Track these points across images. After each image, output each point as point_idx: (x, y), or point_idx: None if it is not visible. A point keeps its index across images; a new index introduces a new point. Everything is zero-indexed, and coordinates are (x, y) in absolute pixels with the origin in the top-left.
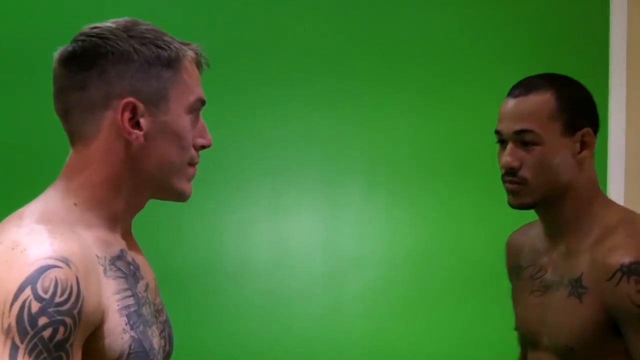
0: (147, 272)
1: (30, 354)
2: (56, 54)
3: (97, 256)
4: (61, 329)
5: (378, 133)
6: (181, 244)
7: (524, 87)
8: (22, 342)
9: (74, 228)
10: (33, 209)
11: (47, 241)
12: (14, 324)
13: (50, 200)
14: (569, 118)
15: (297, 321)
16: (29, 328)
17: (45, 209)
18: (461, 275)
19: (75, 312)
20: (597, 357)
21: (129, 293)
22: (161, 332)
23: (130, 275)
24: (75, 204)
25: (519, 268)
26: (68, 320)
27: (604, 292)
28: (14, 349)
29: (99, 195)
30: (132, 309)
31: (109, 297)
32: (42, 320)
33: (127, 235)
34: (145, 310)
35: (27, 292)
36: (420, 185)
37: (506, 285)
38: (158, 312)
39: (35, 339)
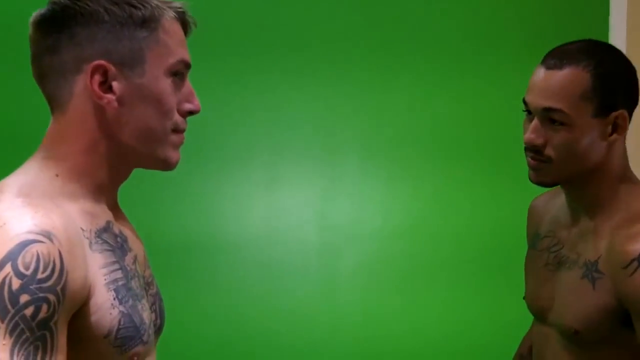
0: (136, 243)
1: (11, 334)
2: (31, 18)
3: (81, 229)
4: (44, 307)
5: (374, 105)
6: (176, 217)
7: (559, 57)
8: (2, 322)
9: (56, 200)
10: (11, 182)
11: (28, 215)
12: None
13: (30, 172)
14: (604, 99)
15: (292, 295)
16: (9, 306)
17: (25, 182)
18: (459, 248)
19: (58, 288)
20: (603, 345)
21: (116, 266)
22: (151, 305)
23: (118, 247)
24: (56, 175)
25: (536, 236)
26: (51, 297)
27: (618, 280)
28: None
29: (81, 165)
30: (120, 283)
31: (96, 271)
32: (24, 298)
33: (113, 207)
34: (135, 284)
35: (7, 268)
36: (418, 157)
37: (505, 258)
38: (148, 284)
39: (17, 318)
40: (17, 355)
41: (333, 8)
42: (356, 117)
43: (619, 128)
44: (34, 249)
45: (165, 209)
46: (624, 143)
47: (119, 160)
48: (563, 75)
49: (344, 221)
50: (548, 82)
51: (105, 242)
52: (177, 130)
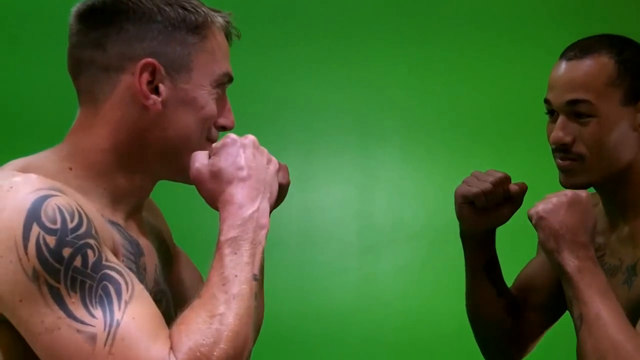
0: (149, 256)
1: (74, 289)
2: (74, 8)
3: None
4: (90, 252)
5: (415, 96)
6: (209, 217)
7: (579, 49)
8: (59, 282)
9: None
10: (15, 162)
11: (32, 176)
12: (39, 266)
13: (41, 157)
14: (631, 85)
15: (329, 297)
16: (57, 265)
17: (30, 163)
18: (508, 244)
19: (93, 232)
20: None
21: (132, 257)
22: None
23: (134, 243)
24: (70, 169)
25: None
26: (92, 241)
27: None
28: (54, 292)
29: (100, 164)
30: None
31: (118, 245)
32: (67, 252)
33: (130, 219)
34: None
35: (35, 229)
36: (461, 149)
37: None
38: (156, 302)
39: (70, 272)
40: (92, 305)
41: (375, 2)
42: (395, 110)
43: None
44: (52, 202)
45: (200, 207)
46: None
47: (143, 166)
48: (586, 64)
49: (384, 218)
50: (570, 74)
51: (119, 231)
52: (210, 140)
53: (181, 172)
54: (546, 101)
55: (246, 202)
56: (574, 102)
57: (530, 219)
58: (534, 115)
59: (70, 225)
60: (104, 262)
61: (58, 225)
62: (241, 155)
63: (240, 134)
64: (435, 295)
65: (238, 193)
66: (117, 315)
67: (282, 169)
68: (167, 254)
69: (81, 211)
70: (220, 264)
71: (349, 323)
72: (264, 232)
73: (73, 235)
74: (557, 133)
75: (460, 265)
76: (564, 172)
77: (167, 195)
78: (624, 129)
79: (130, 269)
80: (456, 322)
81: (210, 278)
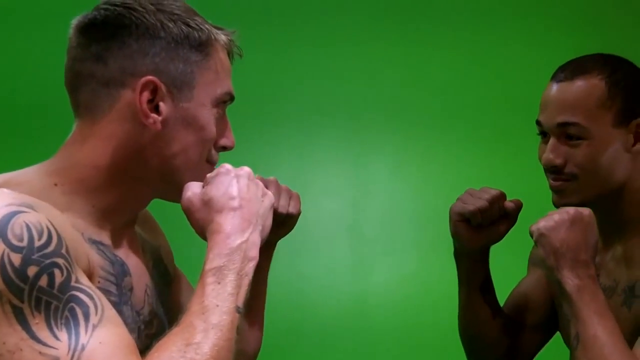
0: (139, 277)
1: (38, 309)
2: (74, 21)
3: (71, 225)
4: (57, 272)
5: (407, 111)
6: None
7: (570, 70)
8: (22, 302)
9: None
10: None
11: (5, 191)
12: (2, 285)
13: (27, 172)
14: (622, 106)
15: (320, 311)
16: (21, 284)
17: (12, 178)
18: (503, 258)
19: (63, 251)
20: None
21: (112, 279)
22: (145, 347)
23: (118, 264)
24: (55, 184)
25: None
26: (60, 260)
27: None
28: (18, 312)
29: (92, 180)
30: (112, 298)
31: (94, 265)
32: (32, 270)
33: (120, 236)
34: (126, 311)
35: (1, 246)
36: (453, 163)
37: None
38: (145, 323)
39: (35, 292)
40: (57, 327)
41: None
42: (388, 122)
43: None
44: (20, 218)
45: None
46: None
47: (139, 186)
48: (576, 86)
49: (376, 234)
50: (561, 96)
51: (102, 251)
52: (210, 161)
53: (178, 193)
54: (538, 122)
55: (235, 232)
56: (564, 125)
57: (531, 235)
58: (533, 128)
59: (38, 243)
60: (72, 283)
61: (24, 243)
62: (234, 185)
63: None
64: (427, 308)
65: (227, 222)
66: (83, 339)
67: (294, 198)
68: (166, 274)
69: (52, 229)
70: (202, 292)
71: (340, 336)
72: (252, 264)
73: (40, 253)
74: (548, 155)
75: (451, 279)
76: (557, 193)
77: (170, 215)
78: (616, 150)
79: (108, 290)
80: (448, 335)
81: (191, 307)
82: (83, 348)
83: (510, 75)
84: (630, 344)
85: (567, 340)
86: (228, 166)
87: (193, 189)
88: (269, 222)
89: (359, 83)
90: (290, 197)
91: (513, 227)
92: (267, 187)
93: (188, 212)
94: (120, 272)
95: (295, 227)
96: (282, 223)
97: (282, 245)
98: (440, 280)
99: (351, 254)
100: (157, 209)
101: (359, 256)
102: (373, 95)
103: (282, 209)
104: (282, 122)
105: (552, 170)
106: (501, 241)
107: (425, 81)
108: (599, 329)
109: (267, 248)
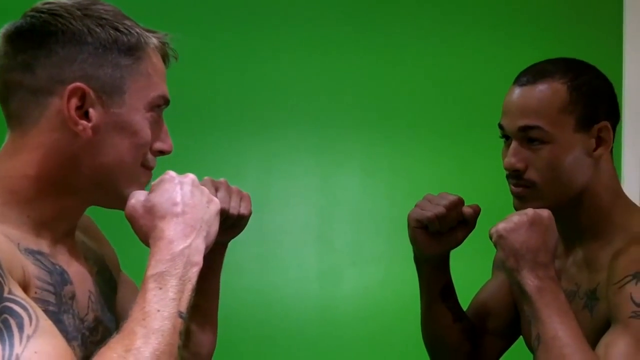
0: (82, 283)
1: None
2: (2, 30)
3: (6, 236)
4: None
5: (373, 119)
6: None
7: (532, 74)
8: None
9: None
10: None
11: None
12: None
13: None
14: (584, 111)
15: (289, 321)
16: None
17: None
18: (466, 263)
19: None
20: None
21: (50, 289)
22: (90, 355)
23: (56, 273)
24: None
25: None
26: None
27: (609, 295)
28: None
29: (25, 191)
30: (50, 308)
31: (30, 276)
32: None
33: (59, 244)
34: (67, 320)
35: None
36: (422, 171)
37: None
38: (90, 330)
39: None
40: None
41: None
42: (355, 131)
43: (604, 142)
44: None
45: None
46: (612, 159)
47: (73, 194)
48: (538, 90)
49: (344, 244)
50: (523, 100)
51: (39, 260)
52: (147, 166)
53: (115, 200)
54: (500, 126)
55: (177, 238)
56: (526, 128)
57: (490, 237)
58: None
59: None
60: (5, 295)
61: None
62: (177, 192)
63: (200, 147)
64: (395, 318)
65: (170, 228)
66: (17, 349)
67: (244, 199)
68: (111, 280)
69: None
70: (143, 298)
71: (308, 345)
72: (195, 269)
73: None
74: (510, 159)
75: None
76: (518, 199)
77: (116, 222)
78: (577, 154)
79: (46, 300)
80: (417, 344)
81: (132, 313)
82: (17, 358)
83: (473, 83)
84: (594, 347)
85: (529, 343)
86: (172, 173)
87: (137, 197)
88: (214, 228)
89: (325, 91)
90: (241, 198)
91: (481, 231)
92: (217, 189)
93: (132, 219)
94: (60, 281)
95: (263, 237)
96: (234, 224)
97: (251, 254)
98: (408, 289)
99: (319, 263)
100: (103, 215)
101: (327, 265)
102: (339, 103)
103: (234, 210)
104: (248, 131)
105: (514, 176)
106: (465, 245)
107: (391, 89)
108: (560, 328)
109: (218, 249)
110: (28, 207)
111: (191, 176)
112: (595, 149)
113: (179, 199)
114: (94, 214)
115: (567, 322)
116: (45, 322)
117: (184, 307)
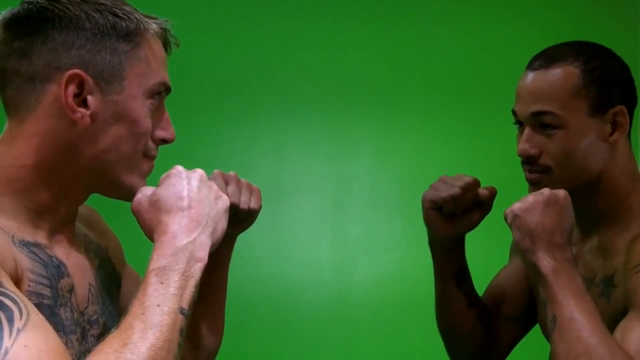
0: (82, 276)
1: None
2: (0, 16)
3: (0, 228)
4: None
5: (385, 104)
6: None
7: (544, 58)
8: None
9: None
10: None
11: None
12: None
13: None
14: (598, 95)
15: (303, 310)
16: None
17: None
18: (482, 247)
19: None
20: None
21: (45, 282)
22: (91, 348)
23: (53, 266)
24: None
25: None
26: None
27: (626, 280)
28: None
29: (22, 181)
30: (45, 301)
31: (23, 269)
32: None
33: (58, 235)
34: (64, 313)
35: None
36: (435, 158)
37: None
38: (89, 323)
39: None
40: None
41: None
42: (366, 117)
43: (620, 126)
44: None
45: None
46: (629, 144)
47: (71, 183)
48: (551, 74)
49: (358, 233)
50: (535, 85)
51: (34, 253)
52: (148, 155)
53: (115, 189)
54: (513, 112)
55: (182, 233)
56: (538, 114)
57: (505, 218)
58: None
59: None
60: None
61: None
62: (184, 186)
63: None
64: (410, 307)
65: (174, 223)
66: (7, 342)
67: (254, 193)
68: (113, 273)
69: None
70: (144, 293)
71: (323, 336)
72: (198, 265)
73: None
74: (523, 145)
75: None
76: (533, 185)
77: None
78: (591, 140)
79: (41, 293)
80: (432, 334)
81: (131, 308)
82: (7, 352)
83: (492, 64)
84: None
85: (544, 328)
86: (180, 168)
87: (144, 191)
88: (222, 224)
89: (334, 79)
90: (251, 192)
91: (498, 215)
92: (227, 182)
93: (137, 214)
94: (56, 274)
95: (276, 227)
96: (244, 219)
97: (264, 244)
98: (423, 278)
99: (333, 252)
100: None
101: (341, 254)
102: (349, 91)
103: (244, 205)
104: (258, 120)
105: (528, 162)
106: (481, 229)
107: (401, 76)
108: (577, 311)
109: (227, 243)
110: (25, 196)
111: (199, 171)
112: (611, 134)
113: (185, 193)
114: (103, 208)
115: (584, 305)
116: (37, 317)
117: (185, 303)
